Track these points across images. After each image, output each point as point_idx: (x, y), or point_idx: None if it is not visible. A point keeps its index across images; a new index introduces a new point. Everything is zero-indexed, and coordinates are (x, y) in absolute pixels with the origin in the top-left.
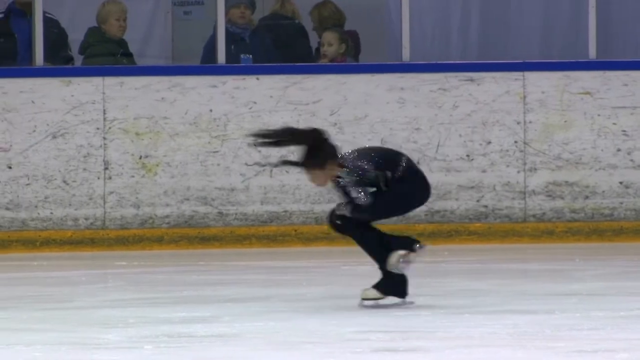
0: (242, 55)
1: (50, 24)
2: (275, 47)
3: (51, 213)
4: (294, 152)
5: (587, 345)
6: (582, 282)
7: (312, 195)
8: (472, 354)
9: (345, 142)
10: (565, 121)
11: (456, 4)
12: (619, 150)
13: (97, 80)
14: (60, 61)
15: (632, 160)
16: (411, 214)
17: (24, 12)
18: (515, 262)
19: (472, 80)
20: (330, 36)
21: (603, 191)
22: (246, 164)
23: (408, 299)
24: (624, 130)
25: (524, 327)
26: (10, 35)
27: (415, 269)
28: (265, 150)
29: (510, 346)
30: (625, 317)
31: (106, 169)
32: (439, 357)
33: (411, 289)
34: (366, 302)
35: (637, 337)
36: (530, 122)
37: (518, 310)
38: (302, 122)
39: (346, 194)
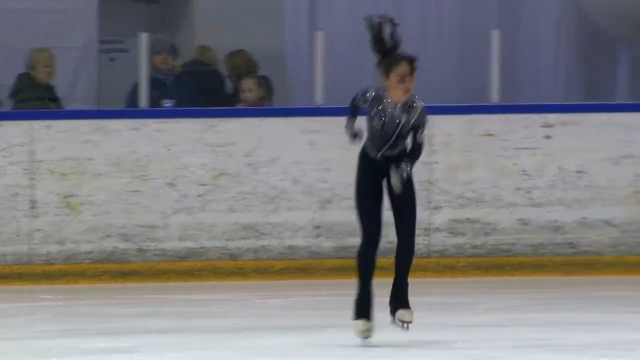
0: (164, 100)
1: None
2: (196, 92)
3: None
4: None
5: None
6: (483, 314)
7: (227, 232)
8: None
9: (260, 181)
10: (469, 162)
11: (367, 50)
12: (518, 189)
13: (25, 124)
14: None
15: (530, 198)
16: (322, 250)
17: None
18: (420, 296)
19: None
20: (249, 83)
21: (503, 228)
22: None
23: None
24: (524, 170)
25: (429, 358)
26: None
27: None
28: (185, 190)
29: None
30: (525, 346)
31: (33, 207)
32: None
33: (327, 324)
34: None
35: None
36: (435, 162)
37: (425, 341)
38: (219, 163)
39: (399, 128)
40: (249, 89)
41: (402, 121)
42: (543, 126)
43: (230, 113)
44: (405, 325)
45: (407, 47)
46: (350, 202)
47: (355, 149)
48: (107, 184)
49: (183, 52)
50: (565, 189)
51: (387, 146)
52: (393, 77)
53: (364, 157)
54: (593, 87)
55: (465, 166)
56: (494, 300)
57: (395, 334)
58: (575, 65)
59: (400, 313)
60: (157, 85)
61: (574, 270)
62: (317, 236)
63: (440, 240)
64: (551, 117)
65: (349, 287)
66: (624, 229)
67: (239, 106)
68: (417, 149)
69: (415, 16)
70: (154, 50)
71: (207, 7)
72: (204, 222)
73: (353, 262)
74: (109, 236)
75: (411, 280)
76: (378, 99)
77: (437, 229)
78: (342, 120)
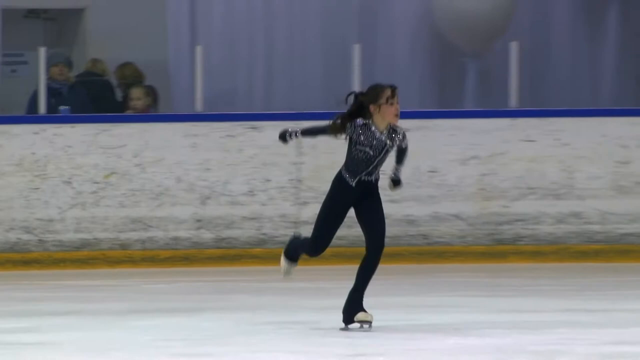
0: (60, 107)
1: None
2: (89, 100)
3: None
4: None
5: (347, 350)
6: (342, 298)
7: (118, 225)
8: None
9: (147, 180)
10: (333, 162)
11: (242, 63)
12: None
13: None
14: None
15: (387, 195)
16: (202, 241)
17: None
18: (290, 282)
19: (254, 128)
20: (137, 92)
21: None
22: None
23: None
24: (382, 170)
25: (287, 337)
26: None
27: (200, 287)
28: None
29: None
30: (379, 327)
31: None
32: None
33: (207, 306)
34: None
35: (390, 343)
36: (303, 163)
37: (291, 320)
38: (110, 163)
39: (384, 152)
40: (137, 97)
41: (387, 147)
42: None
43: (120, 119)
44: (368, 325)
45: (276, 60)
46: (228, 197)
47: (231, 151)
48: (10, 182)
49: (77, 64)
50: (420, 187)
51: (367, 171)
52: (382, 102)
53: (340, 181)
54: (444, 95)
55: (329, 166)
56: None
57: (264, 316)
58: (428, 76)
59: (363, 315)
60: (54, 94)
61: (427, 258)
62: (198, 228)
63: (308, 233)
64: (407, 122)
65: (226, 274)
66: (470, 222)
67: (128, 112)
68: (404, 157)
69: (283, 30)
70: (51, 62)
71: (99, 24)
72: (97, 215)
73: (230, 252)
74: (12, 229)
75: (277, 268)
76: (366, 126)
77: (306, 222)
78: (221, 124)
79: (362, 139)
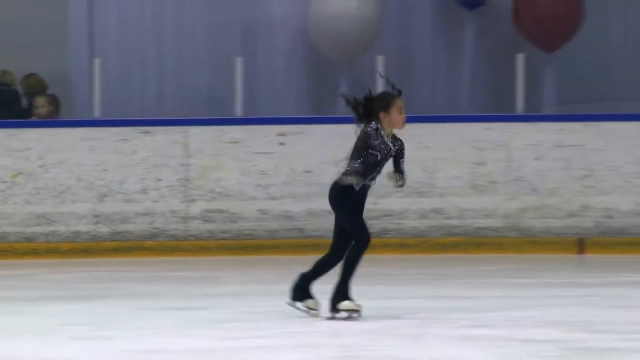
0: None
1: None
2: None
3: None
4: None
5: (239, 333)
6: (231, 285)
7: (24, 220)
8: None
9: (50, 179)
10: (218, 163)
11: (135, 72)
12: (258, 185)
13: None
14: None
15: (268, 193)
16: (100, 234)
17: None
18: (180, 271)
19: (147, 132)
20: (41, 100)
21: (246, 217)
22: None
23: None
24: (263, 170)
25: (176, 319)
26: None
27: (98, 276)
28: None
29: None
30: (262, 312)
31: None
32: (126, 344)
33: (104, 294)
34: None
35: (275, 326)
36: (190, 164)
37: (182, 307)
38: (18, 164)
39: (389, 157)
40: (41, 105)
41: (391, 152)
42: (278, 135)
43: (26, 124)
44: (358, 314)
45: (166, 70)
46: (123, 195)
47: (126, 153)
48: None
49: None
50: (296, 186)
51: (372, 175)
52: (394, 111)
53: (346, 190)
54: (318, 103)
55: (215, 167)
56: (240, 275)
57: (157, 302)
58: (304, 86)
59: (348, 304)
60: None
61: (303, 250)
62: (96, 223)
63: (196, 227)
64: (285, 128)
65: (122, 265)
66: None
67: (33, 119)
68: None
69: (172, 43)
70: None
71: (6, 37)
72: (5, 212)
73: (125, 244)
74: None
75: (173, 259)
76: (378, 132)
77: (193, 217)
78: (116, 129)
79: (376, 143)
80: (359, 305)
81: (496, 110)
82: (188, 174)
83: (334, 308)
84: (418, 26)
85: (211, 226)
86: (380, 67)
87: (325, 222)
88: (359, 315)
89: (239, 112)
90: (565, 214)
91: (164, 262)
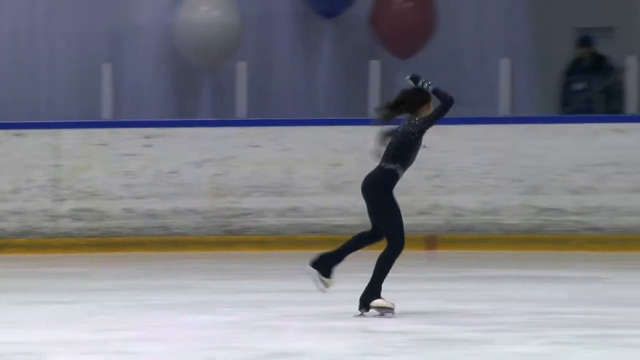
0: None
1: None
2: None
3: None
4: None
5: (108, 326)
6: (99, 281)
7: None
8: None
9: None
10: (87, 165)
11: (7, 77)
12: (125, 185)
13: None
14: None
15: (134, 192)
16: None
17: None
18: (50, 267)
19: (19, 135)
20: None
21: (113, 215)
22: None
23: None
24: (130, 171)
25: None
26: None
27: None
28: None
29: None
30: (132, 306)
31: None
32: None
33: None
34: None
35: (142, 319)
36: (61, 165)
37: (47, 301)
38: None
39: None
40: None
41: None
42: (144, 137)
43: None
44: (391, 312)
45: (39, 75)
46: None
47: (1, 153)
48: None
49: None
50: (162, 186)
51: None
52: (430, 104)
53: (394, 179)
54: (182, 106)
55: (84, 168)
56: (107, 271)
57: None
58: (169, 90)
59: (381, 302)
60: None
61: (168, 247)
62: None
63: (65, 224)
64: (150, 131)
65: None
66: (205, 216)
67: None
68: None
69: (44, 49)
70: None
71: None
72: None
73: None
74: None
75: (42, 256)
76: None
77: (63, 216)
78: None
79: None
80: (392, 304)
81: (352, 114)
82: (58, 174)
83: (365, 305)
84: (278, 34)
85: (80, 224)
86: (241, 72)
87: (189, 220)
88: (392, 314)
89: (107, 115)
90: (415, 212)
91: (35, 259)
